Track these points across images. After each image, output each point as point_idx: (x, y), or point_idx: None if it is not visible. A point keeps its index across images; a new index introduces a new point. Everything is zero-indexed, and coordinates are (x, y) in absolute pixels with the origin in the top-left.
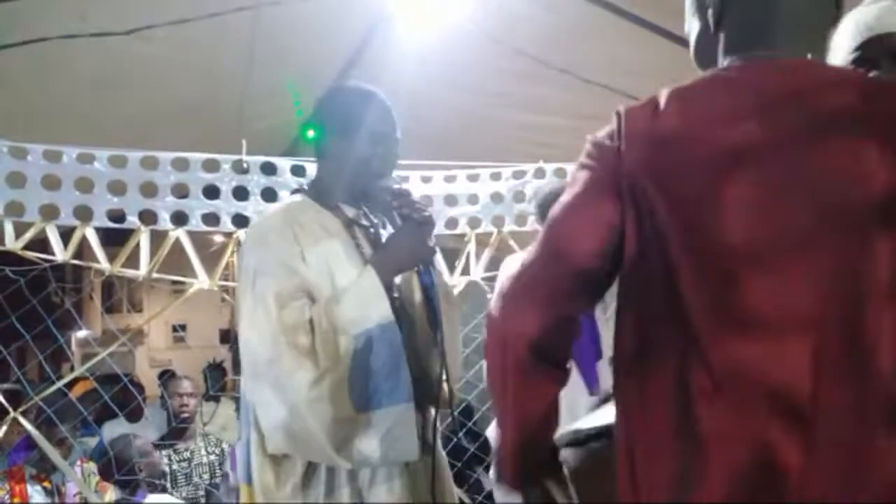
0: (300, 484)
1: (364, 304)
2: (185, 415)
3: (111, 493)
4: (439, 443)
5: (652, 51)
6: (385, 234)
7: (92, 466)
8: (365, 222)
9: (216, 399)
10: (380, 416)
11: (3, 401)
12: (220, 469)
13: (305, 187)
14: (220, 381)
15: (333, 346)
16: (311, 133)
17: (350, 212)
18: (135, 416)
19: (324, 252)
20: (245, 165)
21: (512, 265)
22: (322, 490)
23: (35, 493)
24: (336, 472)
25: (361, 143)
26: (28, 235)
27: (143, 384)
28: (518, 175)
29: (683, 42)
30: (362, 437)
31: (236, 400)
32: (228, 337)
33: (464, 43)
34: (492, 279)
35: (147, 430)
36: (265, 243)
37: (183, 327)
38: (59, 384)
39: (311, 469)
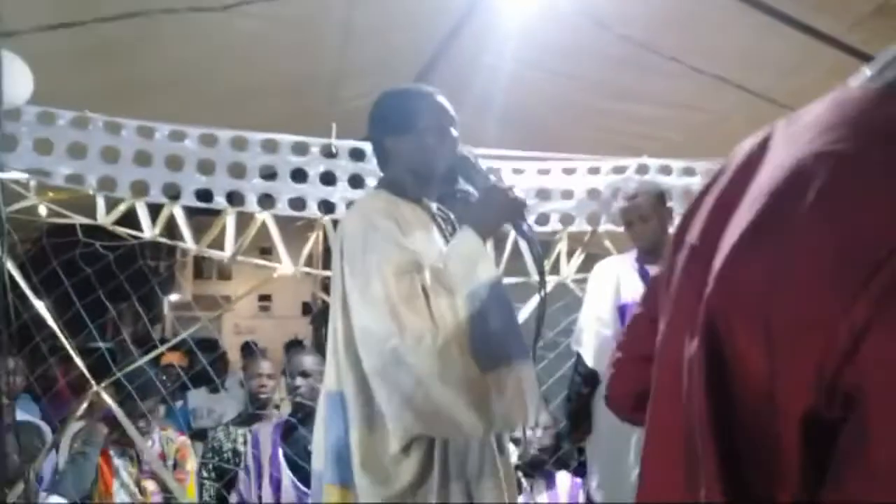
0: (413, 482)
1: (468, 263)
2: (264, 395)
3: (192, 460)
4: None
5: (771, 40)
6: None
7: (171, 433)
8: (443, 215)
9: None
10: (503, 374)
11: (88, 374)
12: None
13: (381, 185)
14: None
15: (451, 308)
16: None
17: (433, 206)
18: (215, 387)
19: (421, 238)
20: (334, 150)
21: (605, 270)
22: (437, 484)
23: (117, 459)
24: (448, 464)
25: (422, 134)
26: (120, 210)
27: (227, 353)
28: (618, 170)
29: (810, 31)
30: (493, 397)
31: None
32: (310, 309)
33: (567, 26)
34: (582, 281)
35: (225, 404)
36: (371, 225)
37: (268, 297)
38: (144, 359)
39: (424, 466)
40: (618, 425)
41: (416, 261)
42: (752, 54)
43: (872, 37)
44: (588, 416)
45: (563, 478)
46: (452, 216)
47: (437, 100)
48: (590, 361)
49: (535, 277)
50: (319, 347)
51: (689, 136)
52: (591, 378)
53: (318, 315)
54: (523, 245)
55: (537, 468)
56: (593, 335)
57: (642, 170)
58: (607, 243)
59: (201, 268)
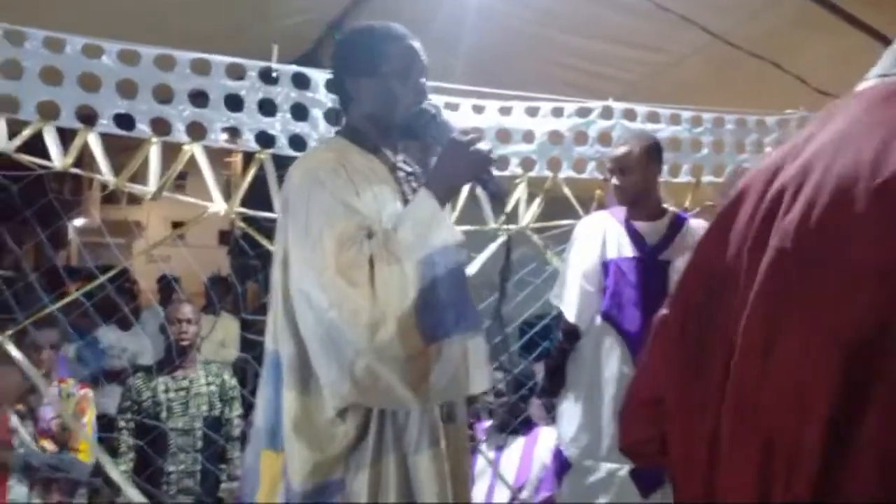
0: (346, 450)
1: (423, 228)
2: (185, 342)
3: (91, 412)
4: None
5: None
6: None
7: (70, 386)
8: (407, 168)
9: (215, 312)
10: (448, 345)
11: None
12: (220, 401)
13: (340, 130)
14: (223, 294)
15: (396, 278)
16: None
17: (391, 156)
18: (127, 323)
19: (374, 195)
20: (274, 74)
21: (591, 226)
22: (371, 453)
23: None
24: (384, 434)
25: (386, 79)
26: (24, 135)
27: (139, 283)
28: (582, 113)
29: None
30: (433, 371)
31: (242, 320)
32: (227, 239)
33: None
34: (541, 230)
35: (140, 342)
36: (318, 181)
37: (181, 224)
38: (56, 305)
39: (358, 434)
40: (592, 381)
41: (365, 225)
42: None
43: None
44: (564, 370)
45: (542, 431)
46: (417, 169)
47: (407, 43)
48: (571, 317)
49: (492, 225)
50: (242, 281)
51: (644, 77)
52: (571, 334)
53: (235, 245)
54: (481, 194)
55: (504, 429)
56: (577, 291)
57: (606, 113)
58: (567, 191)
59: (110, 191)
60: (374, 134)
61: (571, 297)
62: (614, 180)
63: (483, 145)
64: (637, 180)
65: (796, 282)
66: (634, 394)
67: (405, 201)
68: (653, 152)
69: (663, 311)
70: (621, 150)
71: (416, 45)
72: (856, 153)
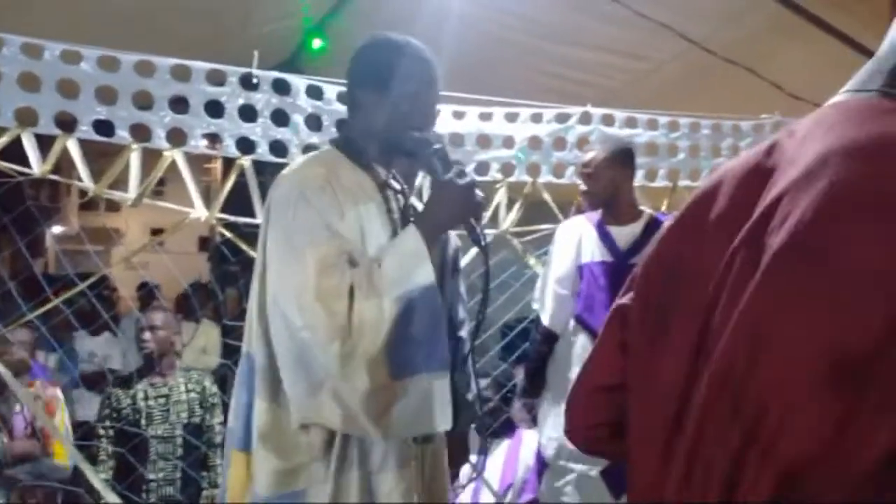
0: (309, 461)
1: (406, 265)
2: (145, 349)
3: (61, 413)
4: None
5: None
6: (417, 202)
7: (38, 388)
8: (396, 185)
9: (196, 320)
10: (414, 383)
11: None
12: (200, 408)
13: (336, 139)
14: (203, 302)
15: (374, 312)
16: (317, 43)
17: (382, 173)
18: (98, 329)
19: (359, 214)
20: (255, 80)
21: (568, 230)
22: (334, 467)
23: None
24: (349, 451)
25: (396, 97)
26: (2, 141)
27: (118, 288)
28: (561, 118)
29: None
30: (397, 405)
31: (222, 326)
32: (207, 246)
33: None
34: (521, 234)
35: (109, 347)
36: (305, 198)
37: (161, 230)
38: (34, 314)
39: (323, 447)
40: (565, 383)
41: (346, 249)
42: (693, 1)
43: None
44: (544, 373)
45: (526, 433)
46: (405, 187)
47: (424, 64)
48: (546, 320)
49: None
50: (223, 288)
51: (625, 84)
52: (548, 337)
53: (215, 252)
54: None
55: (483, 432)
56: (551, 295)
57: (585, 119)
58: (546, 196)
59: (89, 198)
60: (370, 149)
61: (547, 301)
62: (582, 185)
63: (478, 192)
64: (605, 185)
65: (801, 283)
66: (584, 381)
67: (391, 219)
68: (620, 157)
69: (620, 301)
70: (588, 155)
71: (433, 67)
72: (867, 160)
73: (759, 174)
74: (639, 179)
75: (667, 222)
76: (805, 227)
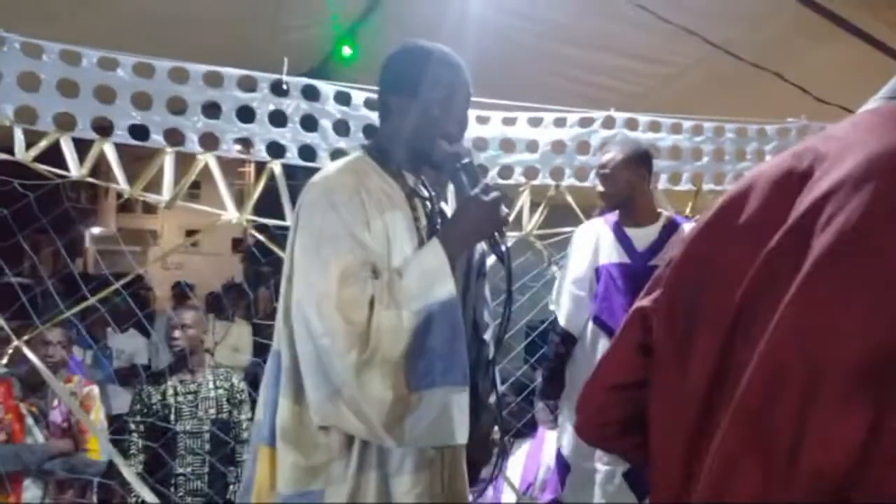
0: (329, 461)
1: (427, 280)
2: (176, 347)
3: (97, 411)
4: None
5: None
6: (447, 206)
7: (75, 385)
8: (424, 192)
9: (229, 318)
10: (432, 395)
11: (8, 330)
12: (228, 404)
13: (367, 145)
14: (236, 301)
15: (393, 323)
16: (346, 51)
17: (411, 180)
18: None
19: (385, 223)
20: (285, 86)
21: (586, 232)
22: (353, 468)
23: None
24: (367, 452)
25: (427, 102)
26: (41, 145)
27: (154, 288)
28: (585, 123)
29: None
30: (412, 416)
31: (253, 325)
32: (241, 246)
33: None
34: (544, 237)
35: (136, 344)
36: (333, 206)
37: (196, 232)
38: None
39: (342, 448)
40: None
41: (369, 261)
42: (717, 5)
43: None
44: (563, 373)
45: (547, 434)
46: (433, 194)
47: (457, 73)
48: (562, 321)
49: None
50: (254, 288)
51: (649, 89)
52: (565, 338)
53: (249, 253)
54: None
55: (507, 433)
56: (568, 296)
57: (608, 123)
58: (569, 199)
59: (126, 200)
60: (400, 155)
61: (564, 302)
62: (599, 187)
63: (503, 208)
64: (621, 186)
65: (850, 282)
66: (599, 379)
67: (417, 227)
68: (636, 158)
69: (640, 303)
70: (605, 156)
71: (464, 73)
72: None
73: (793, 178)
74: (663, 183)
75: (692, 226)
76: (853, 229)
